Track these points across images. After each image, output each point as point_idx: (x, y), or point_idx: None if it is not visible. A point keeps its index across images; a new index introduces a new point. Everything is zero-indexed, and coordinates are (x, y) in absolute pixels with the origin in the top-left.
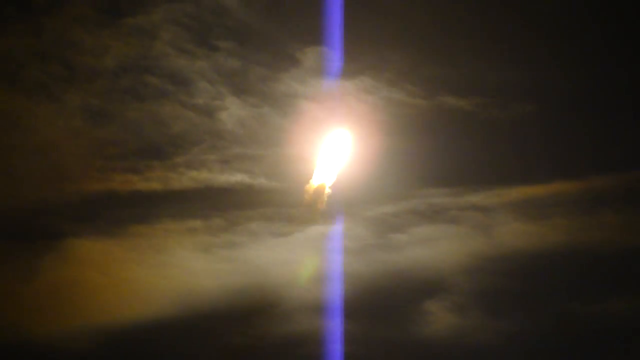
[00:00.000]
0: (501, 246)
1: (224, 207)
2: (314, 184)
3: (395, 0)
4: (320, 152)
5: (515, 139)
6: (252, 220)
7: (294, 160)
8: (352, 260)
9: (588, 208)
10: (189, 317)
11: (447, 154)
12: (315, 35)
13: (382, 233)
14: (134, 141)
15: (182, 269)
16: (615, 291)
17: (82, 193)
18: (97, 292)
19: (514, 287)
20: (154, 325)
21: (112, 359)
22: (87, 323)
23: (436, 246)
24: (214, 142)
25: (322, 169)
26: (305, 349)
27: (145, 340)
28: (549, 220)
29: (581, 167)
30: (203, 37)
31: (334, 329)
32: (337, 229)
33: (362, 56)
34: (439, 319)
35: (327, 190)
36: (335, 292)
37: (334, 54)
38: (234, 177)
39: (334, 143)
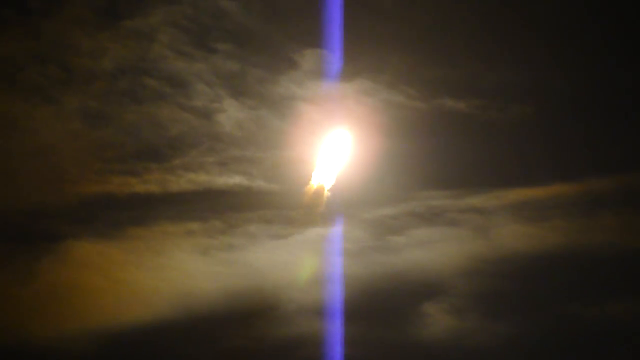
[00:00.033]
0: (500, 248)
1: (223, 209)
2: (312, 186)
3: (394, 2)
4: (319, 155)
5: (514, 141)
6: (250, 223)
7: (293, 162)
8: (351, 263)
9: (587, 210)
10: (187, 320)
11: (446, 156)
12: (313, 38)
13: (381, 235)
14: (132, 143)
15: (181, 271)
16: (615, 293)
17: (80, 195)
18: (95, 294)
19: (513, 290)
20: (153, 328)
21: None
22: (86, 325)
23: (435, 248)
24: (212, 145)
25: (321, 171)
26: (305, 351)
27: (144, 342)
28: (548, 222)
29: (580, 169)
30: (201, 40)
31: (334, 331)
32: (336, 231)
33: (360, 58)
34: (438, 321)
35: (326, 193)
36: (334, 294)
37: (332, 56)
38: (233, 180)
39: (333, 145)
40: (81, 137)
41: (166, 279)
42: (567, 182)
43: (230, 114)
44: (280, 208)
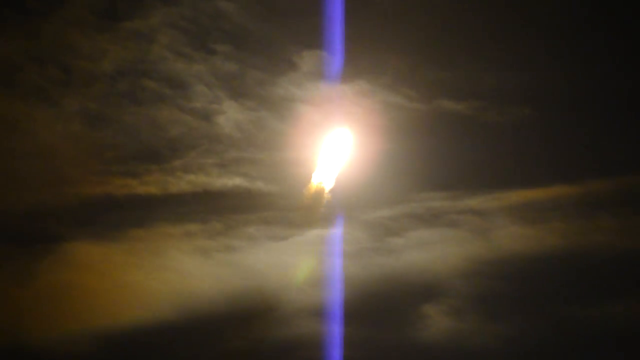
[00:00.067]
0: (499, 250)
1: (222, 210)
2: (312, 187)
3: (394, 4)
4: (319, 156)
5: (513, 142)
6: (250, 224)
7: (292, 164)
8: (350, 264)
9: (586, 212)
10: (187, 321)
11: (445, 157)
12: (313, 39)
13: (380, 237)
14: (132, 145)
15: (180, 272)
16: (613, 295)
17: (80, 196)
18: (95, 296)
19: (512, 291)
20: (153, 329)
21: None
22: (86, 327)
23: (434, 250)
24: (211, 146)
25: (320, 172)
26: (304, 352)
27: (144, 343)
28: (547, 223)
29: (579, 170)
30: (201, 41)
31: (333, 332)
32: (335, 232)
33: (360, 60)
34: (437, 322)
35: (326, 194)
36: (334, 296)
37: (331, 57)
38: (232, 181)
39: (333, 147)
40: (81, 138)
41: (166, 280)
42: (566, 184)
43: (230, 115)
44: (279, 209)
